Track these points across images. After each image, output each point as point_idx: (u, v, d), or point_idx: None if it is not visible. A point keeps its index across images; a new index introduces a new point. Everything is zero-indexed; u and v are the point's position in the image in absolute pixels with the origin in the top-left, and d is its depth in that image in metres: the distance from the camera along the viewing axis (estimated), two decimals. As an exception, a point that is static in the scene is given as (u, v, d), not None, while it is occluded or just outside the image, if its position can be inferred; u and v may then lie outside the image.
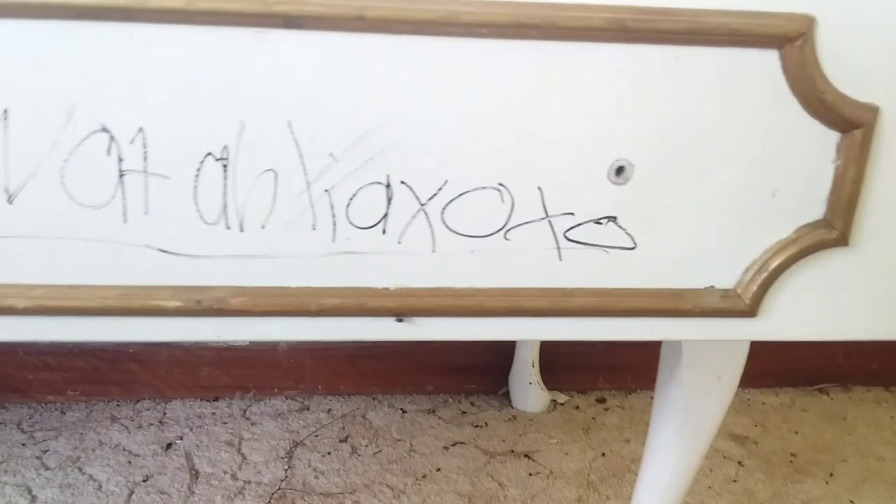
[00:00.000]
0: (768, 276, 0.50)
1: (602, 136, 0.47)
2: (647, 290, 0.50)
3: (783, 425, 1.49)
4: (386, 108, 0.45)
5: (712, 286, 0.51)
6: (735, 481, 1.30)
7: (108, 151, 0.44)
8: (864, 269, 0.51)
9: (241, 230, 0.47)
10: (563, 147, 0.47)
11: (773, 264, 0.50)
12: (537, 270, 0.50)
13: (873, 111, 0.47)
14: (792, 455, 1.40)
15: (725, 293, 0.51)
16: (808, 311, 0.52)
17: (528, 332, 0.51)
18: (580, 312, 0.50)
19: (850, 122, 0.47)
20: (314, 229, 0.47)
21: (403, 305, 0.49)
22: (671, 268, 0.50)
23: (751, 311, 0.51)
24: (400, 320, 0.49)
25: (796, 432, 1.48)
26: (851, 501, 1.28)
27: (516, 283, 0.50)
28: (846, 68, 0.46)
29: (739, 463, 1.36)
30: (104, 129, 0.44)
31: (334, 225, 0.47)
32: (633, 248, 0.50)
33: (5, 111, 0.43)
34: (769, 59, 0.45)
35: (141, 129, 0.44)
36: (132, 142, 0.44)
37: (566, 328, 0.51)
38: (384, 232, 0.48)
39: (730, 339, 0.52)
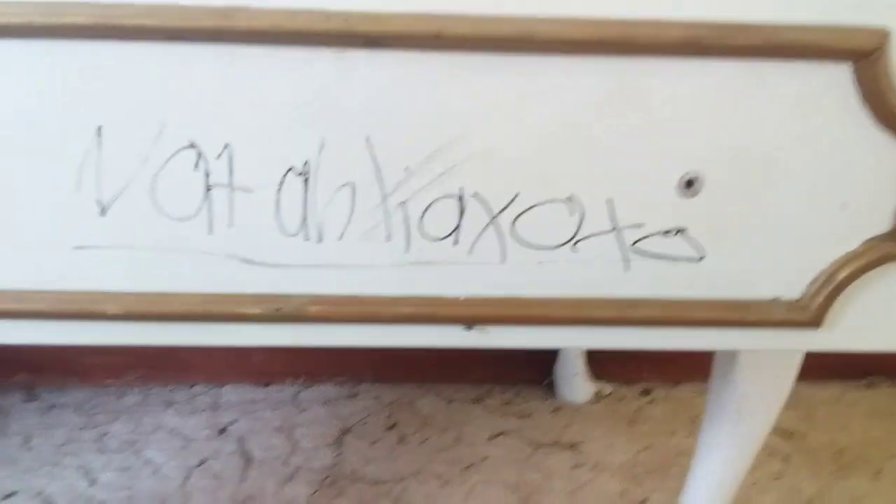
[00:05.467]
0: (835, 288, 0.51)
1: (673, 149, 0.48)
2: (713, 301, 0.51)
3: (831, 420, 1.48)
4: (461, 123, 0.46)
5: (778, 298, 0.52)
6: (781, 478, 1.30)
7: (196, 166, 0.46)
8: (930, 282, 0.52)
9: (320, 241, 0.48)
10: (634, 160, 0.48)
11: (840, 276, 0.51)
12: (604, 281, 0.51)
13: None
14: (839, 450, 1.39)
15: (791, 305, 0.52)
16: (873, 323, 0.53)
17: (594, 341, 0.52)
18: (646, 323, 0.51)
19: None
20: (388, 240, 0.49)
21: (473, 314, 0.50)
22: (738, 279, 0.51)
23: (815, 322, 0.52)
24: (469, 328, 0.51)
25: (844, 427, 1.46)
26: None
27: (583, 292, 0.51)
28: None
29: (785, 458, 1.35)
30: (192, 146, 0.46)
31: (408, 236, 0.49)
32: (700, 260, 0.51)
33: (99, 128, 0.45)
34: (843, 73, 0.46)
35: (227, 146, 0.46)
36: (219, 157, 0.46)
37: (631, 338, 0.52)
38: (456, 243, 0.49)
39: (793, 349, 0.53)
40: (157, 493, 1.19)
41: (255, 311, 0.49)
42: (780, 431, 1.42)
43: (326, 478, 1.23)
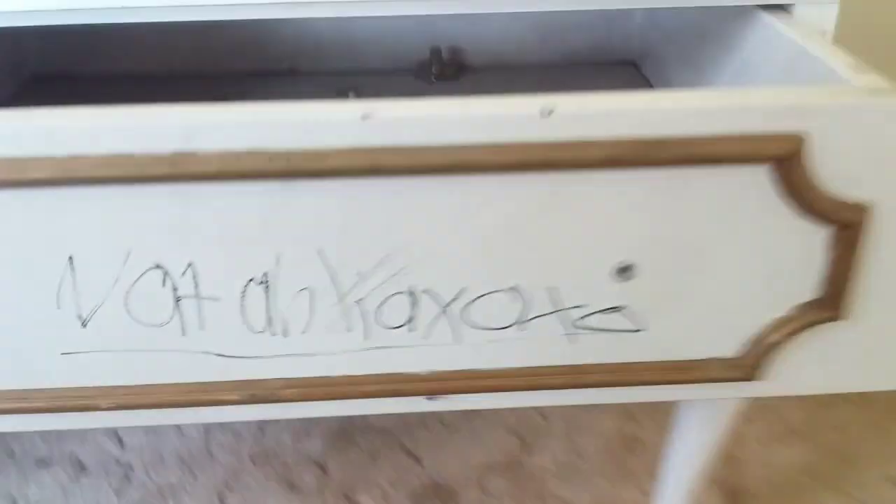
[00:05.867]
0: (766, 349, 0.55)
1: (607, 242, 0.51)
2: (656, 364, 0.55)
3: None
4: (405, 234, 0.50)
5: (715, 358, 0.56)
6: (767, 406, 1.32)
7: (164, 283, 0.50)
8: (858, 337, 0.55)
9: (286, 335, 0.53)
10: (571, 252, 0.51)
11: (772, 339, 0.54)
12: (553, 353, 0.55)
13: (865, 210, 0.50)
14: None
15: (727, 363, 0.56)
16: (806, 372, 0.57)
17: (549, 401, 0.57)
18: (595, 385, 0.56)
19: (843, 222, 0.50)
20: (349, 331, 0.53)
21: (434, 388, 0.55)
22: (677, 344, 0.55)
23: (751, 377, 0.56)
24: (432, 398, 0.56)
25: None
26: (884, 426, 1.30)
27: (535, 363, 0.55)
28: (838, 174, 0.49)
29: (778, 386, 1.40)
30: (158, 267, 0.50)
31: (367, 327, 0.53)
32: (641, 331, 0.54)
33: (71, 257, 0.49)
34: (763, 174, 0.48)
35: (191, 264, 0.50)
36: (183, 274, 0.50)
37: (583, 396, 0.57)
38: (412, 330, 0.53)
39: (732, 398, 0.57)
40: (183, 452, 1.27)
41: (233, 396, 0.54)
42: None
43: (339, 430, 1.30)
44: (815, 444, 1.27)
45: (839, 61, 0.54)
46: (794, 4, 0.63)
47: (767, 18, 0.64)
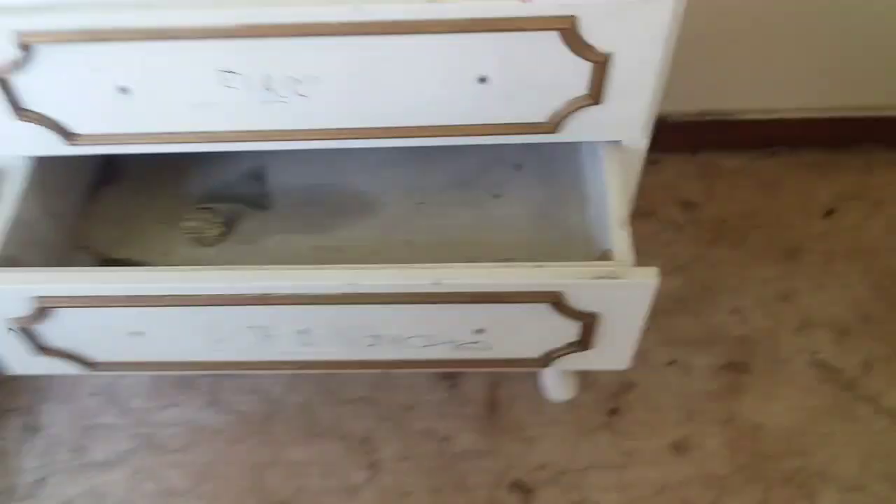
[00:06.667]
0: (553, 357, 1.09)
1: (468, 322, 1.03)
2: (497, 360, 1.10)
3: (727, 191, 1.61)
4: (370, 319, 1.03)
5: (528, 357, 1.10)
6: (669, 245, 1.53)
7: (252, 330, 1.05)
8: (597, 354, 1.08)
9: (309, 346, 1.09)
10: (451, 324, 1.04)
11: (555, 354, 1.08)
12: (449, 355, 1.09)
13: (595, 315, 1.01)
14: (722, 220, 1.56)
15: (534, 360, 1.10)
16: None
17: (447, 370, 1.13)
18: (469, 367, 1.12)
19: (584, 321, 1.02)
20: (341, 346, 1.09)
21: (384, 367, 1.12)
22: (507, 352, 1.08)
23: (546, 366, 1.11)
24: (385, 371, 1.13)
25: (733, 199, 1.59)
26: (748, 266, 1.50)
27: (439, 358, 1.10)
28: (571, 303, 0.99)
29: (678, 228, 1.56)
30: (251, 326, 1.04)
31: (350, 344, 1.09)
32: (486, 349, 1.09)
33: (209, 325, 1.04)
34: (545, 306, 0.98)
35: (265, 326, 1.04)
36: (261, 328, 1.05)
37: (462, 371, 1.13)
38: (372, 346, 1.09)
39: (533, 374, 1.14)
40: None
41: (287, 366, 1.12)
42: (682, 203, 1.59)
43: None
44: (691, 277, 1.49)
45: (616, 214, 1.01)
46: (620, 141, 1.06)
47: (599, 153, 1.07)
